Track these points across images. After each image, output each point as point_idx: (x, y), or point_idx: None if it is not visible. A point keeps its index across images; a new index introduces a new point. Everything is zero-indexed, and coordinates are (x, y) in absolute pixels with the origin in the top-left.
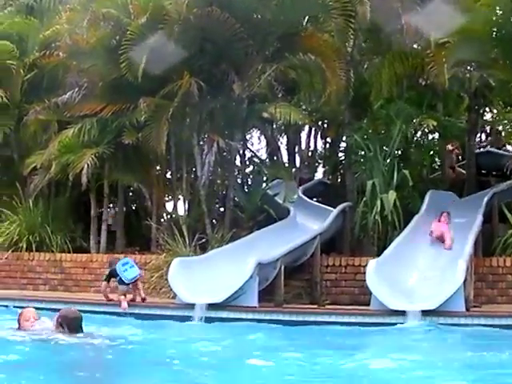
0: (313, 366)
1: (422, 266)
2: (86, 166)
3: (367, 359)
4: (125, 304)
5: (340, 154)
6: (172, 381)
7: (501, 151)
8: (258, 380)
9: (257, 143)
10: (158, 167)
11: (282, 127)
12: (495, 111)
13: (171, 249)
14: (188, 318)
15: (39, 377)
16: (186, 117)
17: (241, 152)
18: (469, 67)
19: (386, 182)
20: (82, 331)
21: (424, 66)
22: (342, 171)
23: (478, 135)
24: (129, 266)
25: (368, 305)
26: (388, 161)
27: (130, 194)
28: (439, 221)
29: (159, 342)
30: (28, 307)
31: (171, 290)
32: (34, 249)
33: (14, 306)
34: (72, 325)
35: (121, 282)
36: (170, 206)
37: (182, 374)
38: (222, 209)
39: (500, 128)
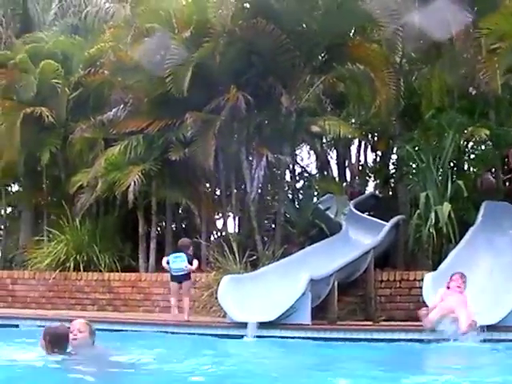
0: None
1: (480, 279)
2: (132, 183)
3: (425, 376)
4: (175, 310)
5: (391, 167)
6: None
7: None
8: None
9: (306, 158)
10: (206, 184)
11: (332, 141)
12: None
13: (221, 266)
14: (240, 337)
15: None
16: (233, 131)
17: (290, 167)
18: None
19: (440, 193)
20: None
21: (475, 74)
22: (393, 184)
23: None
24: (179, 260)
25: None
26: (441, 172)
27: (179, 211)
28: (448, 287)
29: (210, 362)
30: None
31: (222, 308)
32: (81, 268)
33: None
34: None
35: (171, 277)
36: (219, 223)
37: None
38: (272, 225)
39: None
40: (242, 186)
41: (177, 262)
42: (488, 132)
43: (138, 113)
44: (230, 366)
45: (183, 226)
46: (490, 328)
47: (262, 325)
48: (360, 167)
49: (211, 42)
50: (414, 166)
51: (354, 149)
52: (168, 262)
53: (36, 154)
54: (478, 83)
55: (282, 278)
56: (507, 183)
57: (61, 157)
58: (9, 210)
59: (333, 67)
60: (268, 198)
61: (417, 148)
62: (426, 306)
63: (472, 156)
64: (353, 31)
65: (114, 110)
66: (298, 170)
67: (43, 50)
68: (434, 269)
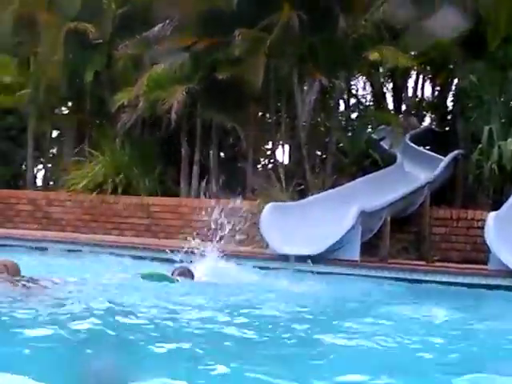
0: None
1: None
2: (175, 102)
3: (484, 326)
4: None
5: (449, 101)
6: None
7: None
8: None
9: (361, 89)
10: (255, 108)
11: (389, 73)
12: None
13: (267, 195)
14: (281, 270)
15: None
16: (285, 51)
17: (345, 97)
18: None
19: (505, 128)
20: None
21: None
22: (451, 119)
23: None
24: None
25: (480, 263)
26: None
27: (228, 136)
28: None
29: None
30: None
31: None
32: (119, 191)
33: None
34: None
35: None
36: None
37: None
38: (323, 154)
39: None
40: (294, 114)
41: None
42: None
43: (184, 29)
44: (269, 298)
45: (230, 151)
46: None
47: (306, 258)
48: (417, 101)
49: None
50: (477, 97)
51: (411, 82)
52: None
53: (80, 72)
54: None
55: (330, 209)
56: None
57: (105, 76)
58: (55, 133)
59: None
60: (320, 126)
61: (480, 79)
62: (488, 249)
63: None
64: None
65: (159, 26)
66: (352, 101)
67: None
68: (494, 209)
